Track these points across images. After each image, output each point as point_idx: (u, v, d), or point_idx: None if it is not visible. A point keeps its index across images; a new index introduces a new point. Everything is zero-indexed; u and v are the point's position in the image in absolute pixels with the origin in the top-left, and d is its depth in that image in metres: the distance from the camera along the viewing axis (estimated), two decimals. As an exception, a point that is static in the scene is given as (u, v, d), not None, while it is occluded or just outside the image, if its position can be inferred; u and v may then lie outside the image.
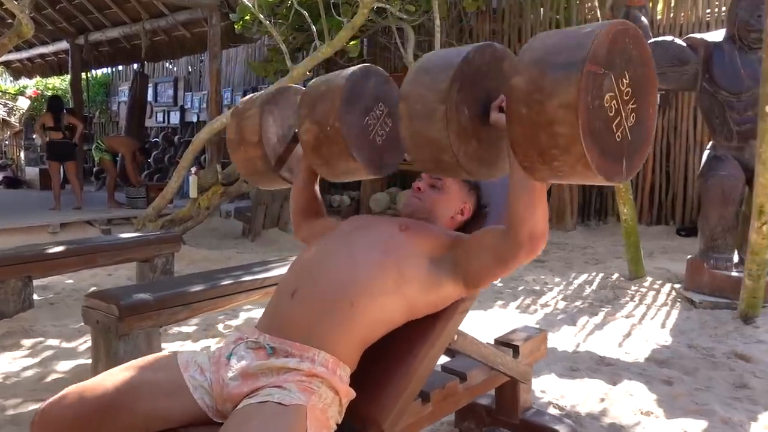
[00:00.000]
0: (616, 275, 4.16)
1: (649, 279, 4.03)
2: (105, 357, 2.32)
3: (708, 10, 5.52)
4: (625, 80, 1.08)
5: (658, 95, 1.21)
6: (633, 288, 3.87)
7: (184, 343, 3.07)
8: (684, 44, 3.80)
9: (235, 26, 7.02)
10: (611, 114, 1.06)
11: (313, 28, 5.28)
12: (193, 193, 5.46)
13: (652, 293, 3.80)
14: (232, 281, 2.67)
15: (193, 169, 5.60)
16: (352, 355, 1.28)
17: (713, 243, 3.60)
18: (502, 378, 1.80)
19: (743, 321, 3.14)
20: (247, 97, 1.72)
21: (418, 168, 1.35)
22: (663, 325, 3.24)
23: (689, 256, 3.80)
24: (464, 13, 6.77)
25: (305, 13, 5.36)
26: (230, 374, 1.23)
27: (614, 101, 1.06)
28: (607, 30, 1.05)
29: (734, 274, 3.48)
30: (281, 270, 2.90)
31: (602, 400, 2.35)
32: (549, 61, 1.04)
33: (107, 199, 7.84)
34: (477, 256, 1.32)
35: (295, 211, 1.71)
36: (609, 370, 2.66)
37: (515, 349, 1.85)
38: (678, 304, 3.57)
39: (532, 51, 1.08)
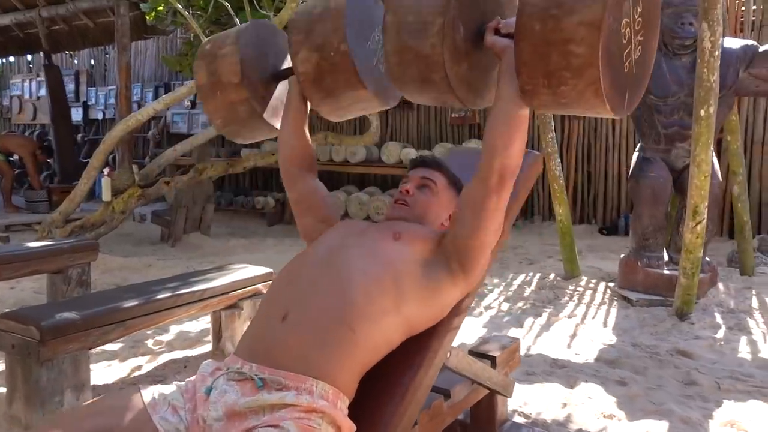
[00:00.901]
0: (552, 275, 4.22)
1: (584, 278, 4.11)
2: (23, 385, 2.02)
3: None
4: (639, 8, 1.03)
5: None
6: (570, 287, 3.93)
7: (111, 363, 2.77)
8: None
9: (147, 17, 6.57)
10: (624, 41, 1.01)
11: (236, 20, 5.02)
12: (106, 196, 5.03)
13: (589, 292, 3.88)
14: (169, 294, 2.42)
15: (106, 170, 5.18)
16: (351, 384, 1.13)
17: (645, 242, 3.72)
18: (482, 392, 1.71)
19: (679, 317, 3.25)
20: (213, 36, 1.53)
21: (400, 91, 1.23)
22: (605, 324, 3.30)
23: (622, 255, 3.91)
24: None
25: (227, 4, 5.08)
26: (213, 413, 1.04)
27: (628, 28, 1.02)
28: None
29: (666, 271, 3.60)
30: (222, 280, 2.68)
31: (564, 405, 2.32)
32: None
33: (3, 203, 7.12)
34: (460, 223, 1.23)
35: (288, 158, 1.51)
36: (563, 372, 2.65)
37: (493, 360, 1.77)
38: (615, 302, 3.66)
39: None
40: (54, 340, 2.00)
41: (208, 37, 1.54)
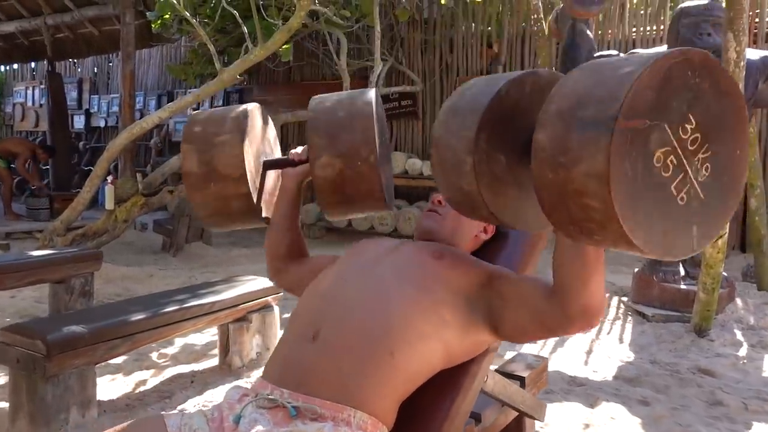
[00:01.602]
0: (564, 289, 4.14)
1: (597, 292, 4.03)
2: (28, 403, 1.94)
3: (634, 29, 5.72)
4: (689, 125, 0.85)
5: None
6: (583, 302, 3.85)
7: (115, 378, 2.68)
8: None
9: (153, 25, 6.53)
10: (667, 174, 0.84)
11: (244, 29, 4.97)
12: (109, 204, 4.95)
13: (602, 307, 3.79)
14: (176, 307, 2.34)
15: (110, 178, 5.10)
16: (390, 413, 1.05)
17: (660, 256, 3.64)
18: (512, 414, 1.62)
19: (697, 334, 3.17)
20: (197, 114, 1.36)
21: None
22: (621, 340, 3.22)
23: (635, 269, 3.84)
24: (396, 21, 6.67)
25: (236, 13, 5.03)
26: (243, 445, 0.96)
27: (672, 157, 0.84)
28: (654, 67, 0.80)
29: (683, 286, 3.53)
30: (231, 292, 2.60)
31: (587, 426, 2.24)
32: (576, 114, 0.82)
33: (4, 210, 7.03)
34: (515, 309, 1.10)
35: (276, 256, 1.41)
36: (582, 390, 2.57)
37: (522, 381, 1.69)
38: (629, 317, 3.57)
39: (560, 97, 0.86)
40: (61, 354, 1.92)
41: (193, 115, 1.35)
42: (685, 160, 0.85)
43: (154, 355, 2.95)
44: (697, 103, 0.85)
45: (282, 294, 2.86)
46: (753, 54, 3.56)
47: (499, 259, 1.40)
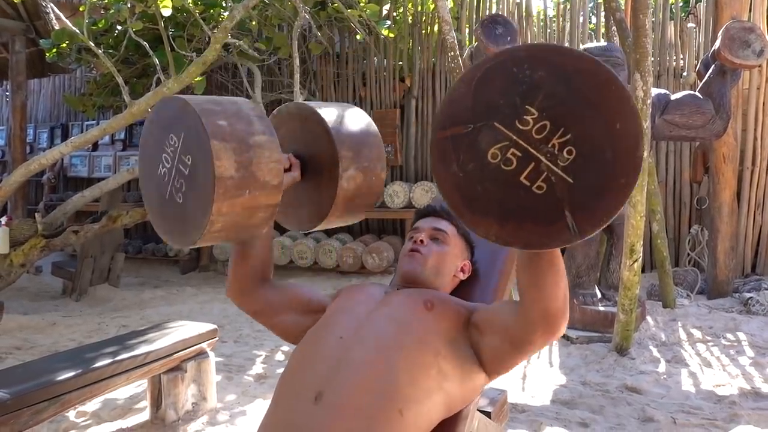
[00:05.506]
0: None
1: (521, 317, 4.16)
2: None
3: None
4: (528, 116, 0.86)
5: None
6: (510, 328, 3.96)
7: (31, 444, 2.41)
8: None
9: (47, 54, 6.12)
10: (510, 167, 0.86)
11: (155, 60, 4.78)
12: (3, 247, 4.51)
13: (529, 332, 3.92)
14: (108, 361, 2.16)
15: (3, 219, 4.66)
16: None
17: (579, 280, 3.84)
18: (482, 451, 1.62)
19: (619, 353, 3.35)
20: (197, 101, 1.13)
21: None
22: (551, 363, 3.33)
23: (556, 293, 4.01)
24: (309, 55, 6.69)
25: (145, 44, 4.84)
26: None
27: (513, 150, 0.86)
28: (465, 77, 0.89)
29: (601, 308, 3.73)
30: (163, 341, 2.43)
31: (537, 452, 2.28)
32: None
33: None
34: (489, 335, 1.13)
35: (246, 275, 1.32)
36: (525, 417, 2.62)
37: (488, 416, 1.69)
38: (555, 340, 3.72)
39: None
40: (-22, 425, 1.70)
41: (187, 99, 1.13)
42: (533, 150, 0.86)
43: (71, 415, 2.69)
44: (535, 92, 0.86)
45: (216, 339, 2.72)
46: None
47: (475, 292, 1.42)
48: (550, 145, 0.85)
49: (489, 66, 0.86)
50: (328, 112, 1.28)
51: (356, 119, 1.32)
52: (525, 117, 0.86)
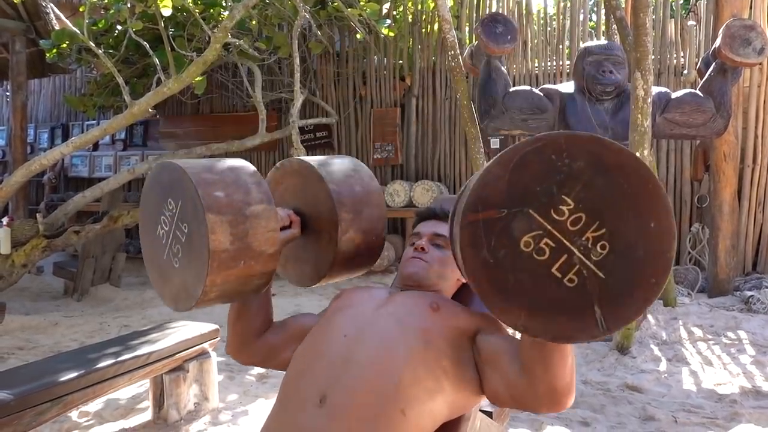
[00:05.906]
0: (491, 314, 4.25)
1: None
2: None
3: (536, 64, 6.08)
4: (564, 206, 0.83)
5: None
6: (511, 326, 3.97)
7: (33, 444, 2.42)
8: (541, 94, 4.08)
9: (47, 54, 6.13)
10: (543, 257, 0.83)
11: (155, 60, 4.79)
12: (5, 248, 4.52)
13: (530, 330, 3.93)
14: (111, 361, 2.17)
15: (5, 220, 4.67)
16: None
17: (580, 279, 3.83)
18: (484, 451, 1.63)
19: (620, 352, 3.35)
20: (197, 170, 1.10)
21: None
22: (552, 363, 3.34)
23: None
24: (309, 54, 6.69)
25: (145, 44, 4.85)
26: None
27: (547, 240, 0.83)
28: (502, 158, 0.83)
29: (602, 307, 3.72)
30: (165, 341, 2.44)
31: (538, 451, 2.29)
32: (455, 213, 0.97)
33: None
34: (491, 371, 1.09)
35: (248, 331, 1.30)
36: (527, 416, 2.63)
37: (490, 416, 1.70)
38: (556, 339, 3.72)
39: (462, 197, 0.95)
40: (-19, 426, 1.71)
41: (188, 169, 1.09)
42: (567, 242, 0.83)
43: (73, 415, 2.70)
44: (573, 183, 0.84)
45: (218, 339, 2.72)
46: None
47: (475, 299, 1.42)
48: (584, 238, 0.83)
49: (527, 150, 0.83)
50: (330, 172, 1.28)
51: (358, 177, 1.32)
52: (561, 207, 0.83)
